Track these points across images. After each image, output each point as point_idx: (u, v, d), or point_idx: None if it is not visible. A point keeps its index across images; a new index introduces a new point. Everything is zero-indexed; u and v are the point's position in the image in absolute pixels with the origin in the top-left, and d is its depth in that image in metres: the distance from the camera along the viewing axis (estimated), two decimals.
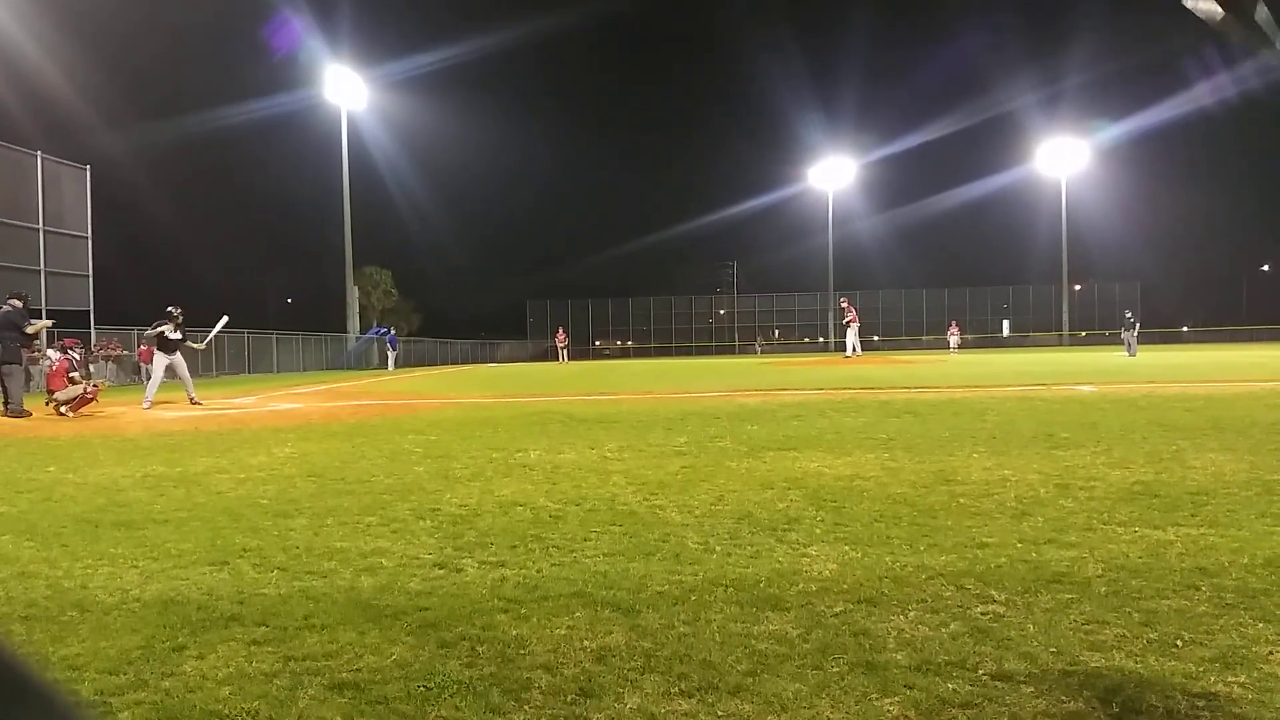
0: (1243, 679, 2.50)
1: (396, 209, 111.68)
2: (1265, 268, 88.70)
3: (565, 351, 55.83)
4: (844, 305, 35.29)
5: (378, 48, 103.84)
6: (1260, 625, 2.90)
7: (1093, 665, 2.63)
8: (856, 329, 34.19)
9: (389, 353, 45.58)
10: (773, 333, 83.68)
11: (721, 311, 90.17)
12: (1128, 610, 3.11)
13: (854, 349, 34.34)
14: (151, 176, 69.14)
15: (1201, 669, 2.58)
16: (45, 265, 27.45)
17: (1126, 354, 32.49)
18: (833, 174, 75.20)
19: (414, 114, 66.72)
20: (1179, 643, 2.78)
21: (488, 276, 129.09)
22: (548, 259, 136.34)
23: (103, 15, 50.56)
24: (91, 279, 29.96)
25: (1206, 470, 5.87)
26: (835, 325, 65.64)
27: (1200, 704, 2.36)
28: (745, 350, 75.97)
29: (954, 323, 54.52)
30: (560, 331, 57.96)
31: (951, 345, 50.39)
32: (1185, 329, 69.15)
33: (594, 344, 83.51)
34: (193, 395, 16.41)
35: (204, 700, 2.58)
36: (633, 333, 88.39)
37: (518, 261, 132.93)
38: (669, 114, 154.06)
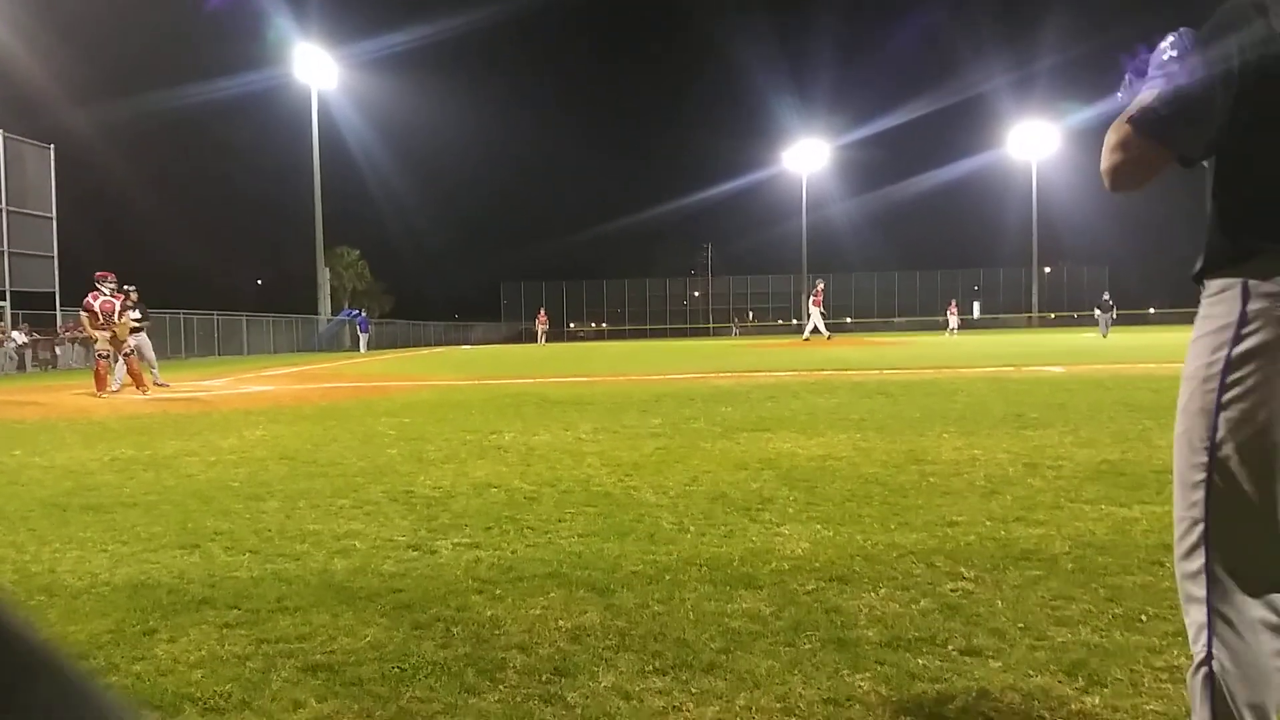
0: None
1: (369, 190, 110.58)
2: None
3: (544, 334, 55.54)
4: (819, 286, 35.38)
5: (347, 26, 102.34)
6: None
7: (1059, 640, 2.68)
8: (818, 312, 34.29)
9: (360, 335, 45.05)
10: (748, 315, 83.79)
11: (696, 294, 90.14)
12: (1094, 586, 3.16)
13: (808, 331, 34.48)
14: (118, 156, 67.75)
15: (1165, 643, 2.63)
16: (8, 246, 26.98)
17: (1101, 333, 32.94)
18: (806, 157, 75.14)
19: (385, 93, 65.92)
20: (1143, 617, 2.84)
21: (462, 258, 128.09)
22: (522, 240, 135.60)
23: None
24: (57, 259, 29.47)
25: (1171, 449, 5.95)
26: (805, 307, 65.79)
27: (1164, 676, 2.41)
28: (720, 332, 76.09)
29: (952, 302, 53.65)
30: (541, 313, 57.66)
31: (951, 325, 49.30)
32: (1152, 310, 69.93)
33: (569, 326, 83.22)
34: (156, 377, 16.20)
35: (176, 684, 2.56)
36: (607, 315, 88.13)
37: (492, 243, 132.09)
38: (644, 96, 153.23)
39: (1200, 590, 1.63)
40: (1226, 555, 1.61)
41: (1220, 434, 1.59)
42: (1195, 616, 1.65)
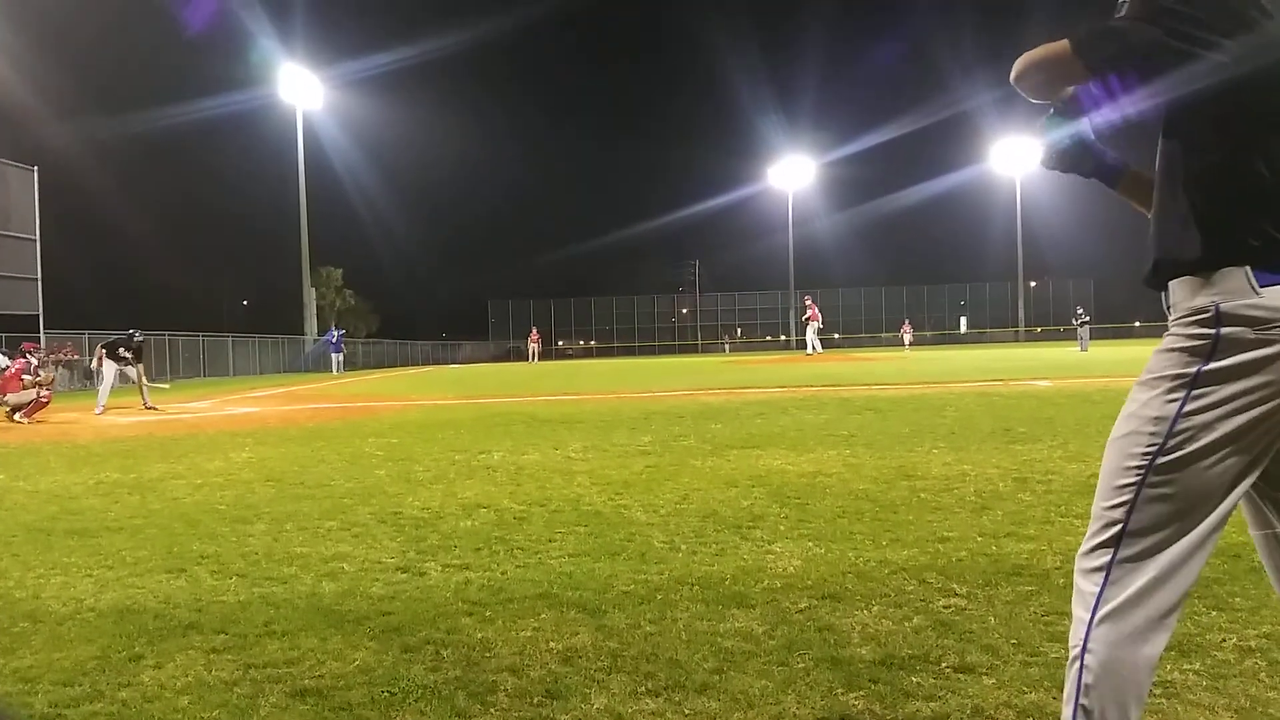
0: (1197, 667, 2.56)
1: (355, 209, 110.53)
2: None
3: (536, 352, 55.31)
4: (807, 302, 35.61)
5: (332, 46, 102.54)
6: (1214, 614, 2.96)
7: (1053, 656, 2.67)
8: (816, 327, 34.47)
9: (333, 355, 42.97)
10: (736, 331, 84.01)
11: (684, 310, 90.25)
12: None
13: (813, 347, 34.65)
14: (103, 177, 67.67)
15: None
16: None
17: (1080, 349, 33.14)
18: (792, 173, 75.60)
19: (370, 113, 66.18)
20: None
21: (449, 276, 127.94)
22: (509, 258, 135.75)
23: (54, 12, 49.36)
24: (40, 282, 29.30)
25: None
26: (797, 323, 66.01)
27: (1157, 692, 2.40)
28: (708, 349, 76.28)
29: (906, 321, 55.07)
30: (534, 332, 57.58)
31: (905, 343, 50.95)
32: (1137, 324, 70.38)
33: (557, 344, 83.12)
34: (147, 401, 16.15)
35: (162, 711, 2.52)
36: (595, 332, 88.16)
37: (479, 261, 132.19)
38: (630, 114, 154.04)
39: (1093, 588, 1.66)
40: (1131, 561, 1.63)
41: (1168, 444, 1.60)
42: (1080, 612, 1.67)
